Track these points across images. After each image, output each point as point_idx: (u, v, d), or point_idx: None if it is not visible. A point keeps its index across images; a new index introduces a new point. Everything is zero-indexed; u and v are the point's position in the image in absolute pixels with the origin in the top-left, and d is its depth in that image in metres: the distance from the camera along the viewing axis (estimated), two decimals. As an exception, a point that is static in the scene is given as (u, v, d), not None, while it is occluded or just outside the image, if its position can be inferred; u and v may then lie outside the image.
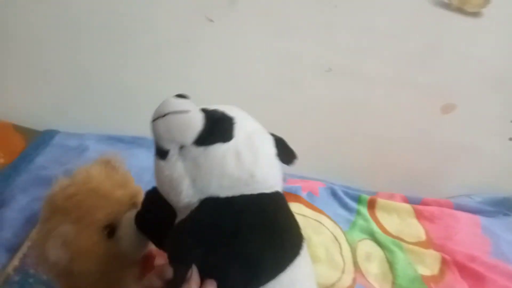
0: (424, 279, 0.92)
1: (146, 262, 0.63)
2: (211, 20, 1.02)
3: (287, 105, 1.15)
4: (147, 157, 1.12)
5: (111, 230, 0.55)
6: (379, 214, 1.12)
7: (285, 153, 0.54)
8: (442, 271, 0.96)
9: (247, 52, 1.07)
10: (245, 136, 0.48)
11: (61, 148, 1.12)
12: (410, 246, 1.02)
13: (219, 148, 0.46)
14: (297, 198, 1.09)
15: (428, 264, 0.97)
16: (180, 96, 0.50)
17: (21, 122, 1.18)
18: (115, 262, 0.54)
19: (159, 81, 1.13)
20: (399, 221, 1.11)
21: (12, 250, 0.77)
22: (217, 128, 0.47)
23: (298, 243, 0.52)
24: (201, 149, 0.46)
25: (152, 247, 0.62)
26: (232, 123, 0.49)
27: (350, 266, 0.92)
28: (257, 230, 0.46)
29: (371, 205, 1.15)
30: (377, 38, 1.03)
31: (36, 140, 1.13)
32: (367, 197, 1.17)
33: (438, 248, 1.02)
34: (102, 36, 1.06)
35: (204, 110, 0.50)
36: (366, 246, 1.00)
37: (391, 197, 1.20)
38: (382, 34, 1.02)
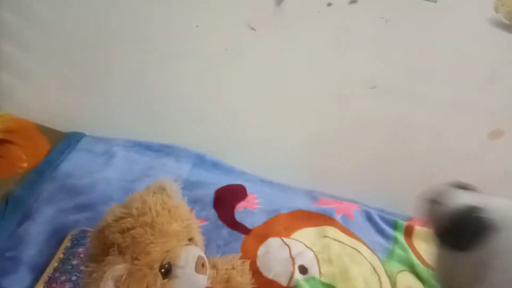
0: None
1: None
2: (254, 29, 0.96)
3: (331, 120, 1.09)
4: (175, 167, 1.09)
5: (166, 269, 0.49)
6: (417, 243, 1.06)
7: None
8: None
9: (293, 64, 1.01)
10: None
11: (88, 154, 1.07)
12: (451, 281, 0.96)
13: None
14: (332, 222, 1.03)
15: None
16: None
17: (44, 122, 1.13)
18: None
19: (190, 89, 1.08)
20: (438, 252, 1.05)
21: (37, 269, 0.72)
22: None
23: None
24: None
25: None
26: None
27: (390, 302, 0.86)
28: None
29: (408, 232, 1.09)
30: (429, 57, 0.97)
31: (61, 143, 1.08)
32: (403, 223, 1.10)
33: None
34: (136, 42, 1.01)
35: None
36: (406, 280, 0.94)
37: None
38: (435, 53, 0.96)
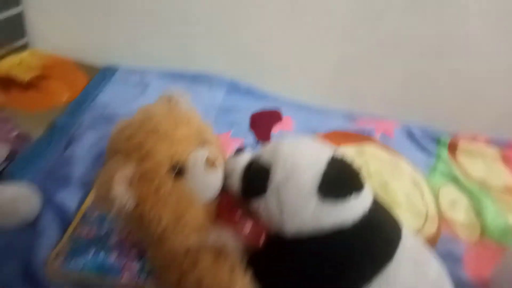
0: (516, 230, 0.84)
1: (222, 203, 0.58)
2: None
3: (366, 40, 1.03)
4: (209, 96, 1.08)
5: (179, 170, 0.51)
6: (462, 159, 1.02)
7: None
8: (536, 222, 0.87)
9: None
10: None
11: (123, 85, 1.09)
12: (498, 194, 0.93)
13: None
14: (371, 140, 1.01)
15: (520, 214, 0.88)
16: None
17: (81, 59, 1.15)
18: (186, 204, 0.50)
19: (220, 15, 1.05)
20: (484, 167, 1.01)
21: (86, 186, 0.75)
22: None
23: (381, 261, 0.50)
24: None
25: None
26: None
27: (433, 213, 0.85)
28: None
29: (452, 148, 1.05)
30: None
31: (97, 76, 1.10)
32: (447, 139, 1.06)
33: (531, 196, 0.93)
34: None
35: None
36: (450, 193, 0.92)
37: (474, 139, 1.09)
38: None
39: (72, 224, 0.67)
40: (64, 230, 0.67)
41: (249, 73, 1.14)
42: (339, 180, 0.49)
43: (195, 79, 1.12)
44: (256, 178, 0.52)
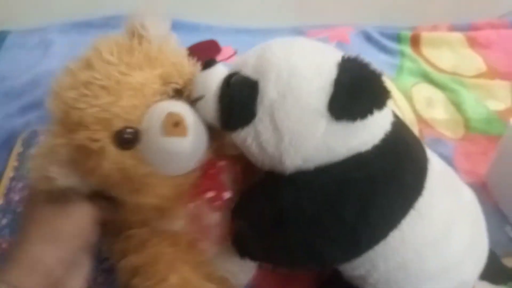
0: (499, 115, 0.76)
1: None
2: None
3: None
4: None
5: (131, 136, 0.35)
6: (427, 51, 0.92)
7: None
8: (517, 101, 0.79)
9: None
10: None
11: (20, 50, 0.88)
12: (472, 81, 0.84)
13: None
14: (326, 52, 0.88)
15: (498, 97, 0.80)
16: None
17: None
18: (139, 182, 0.36)
19: None
20: (452, 55, 0.92)
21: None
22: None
23: (411, 194, 0.36)
24: None
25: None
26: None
27: (411, 117, 0.75)
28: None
29: (415, 42, 0.94)
30: None
31: (-16, 46, 0.88)
32: (408, 33, 0.95)
33: (506, 76, 0.85)
34: None
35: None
36: (423, 90, 0.82)
37: (435, 28, 0.98)
38: None
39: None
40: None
41: (170, 4, 0.95)
42: (357, 90, 0.33)
43: (107, 24, 0.93)
44: (239, 98, 0.35)
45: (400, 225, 0.35)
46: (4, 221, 0.51)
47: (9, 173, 0.60)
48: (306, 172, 0.35)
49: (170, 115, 0.35)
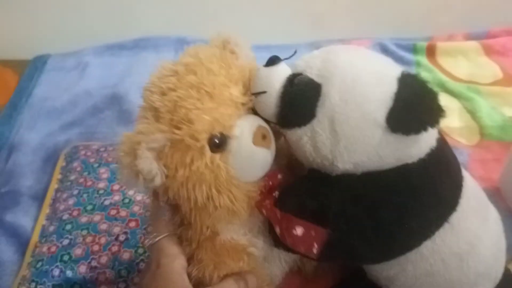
0: (515, 122, 0.77)
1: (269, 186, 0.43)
2: None
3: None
4: (157, 58, 0.96)
5: (220, 141, 0.38)
6: (443, 60, 0.94)
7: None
8: (533, 107, 0.80)
9: None
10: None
11: (59, 72, 0.96)
12: (488, 88, 0.86)
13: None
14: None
15: (515, 104, 0.82)
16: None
17: (7, 56, 1.00)
18: (223, 184, 0.39)
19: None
20: (468, 63, 0.94)
21: (39, 197, 0.66)
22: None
23: (447, 208, 0.39)
24: None
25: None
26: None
27: (427, 127, 0.78)
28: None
29: (431, 52, 0.96)
30: None
31: (28, 70, 0.96)
32: (424, 44, 0.97)
33: (522, 82, 0.86)
34: None
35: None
36: (439, 100, 0.84)
37: (451, 38, 1.00)
38: None
39: (30, 244, 0.58)
40: (23, 252, 0.58)
41: (195, 24, 1.02)
42: (415, 106, 0.34)
43: (138, 45, 1.00)
44: (302, 98, 0.36)
45: (434, 235, 0.37)
46: (51, 228, 0.57)
47: (54, 185, 0.67)
48: (353, 176, 0.37)
49: (260, 127, 0.39)
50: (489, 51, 0.95)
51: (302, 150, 0.38)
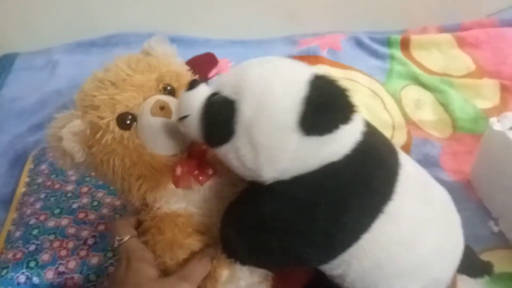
0: (486, 113, 0.78)
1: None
2: None
3: None
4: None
5: (128, 119, 0.43)
6: (416, 53, 0.95)
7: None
8: (503, 100, 0.82)
9: None
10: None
11: (27, 71, 0.93)
12: (461, 81, 0.87)
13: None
14: (318, 59, 0.91)
15: (486, 96, 0.83)
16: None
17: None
18: (135, 154, 0.43)
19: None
20: (441, 56, 0.95)
21: (6, 201, 0.64)
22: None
23: (381, 198, 0.39)
24: None
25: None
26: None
27: (400, 120, 0.78)
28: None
29: (405, 45, 0.97)
30: None
31: (-6, 70, 0.93)
32: (398, 37, 0.98)
33: (493, 75, 0.87)
34: None
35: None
36: (412, 93, 0.85)
37: (424, 30, 1.02)
38: None
39: (-5, 251, 0.56)
40: (-13, 260, 0.56)
41: (166, 20, 1.00)
42: (324, 107, 0.35)
43: (109, 42, 0.98)
44: (218, 117, 0.38)
45: (371, 228, 0.37)
46: (18, 233, 0.55)
47: (21, 188, 0.65)
48: (283, 182, 0.38)
49: (158, 101, 0.43)
50: (462, 43, 0.96)
51: (232, 165, 0.39)
